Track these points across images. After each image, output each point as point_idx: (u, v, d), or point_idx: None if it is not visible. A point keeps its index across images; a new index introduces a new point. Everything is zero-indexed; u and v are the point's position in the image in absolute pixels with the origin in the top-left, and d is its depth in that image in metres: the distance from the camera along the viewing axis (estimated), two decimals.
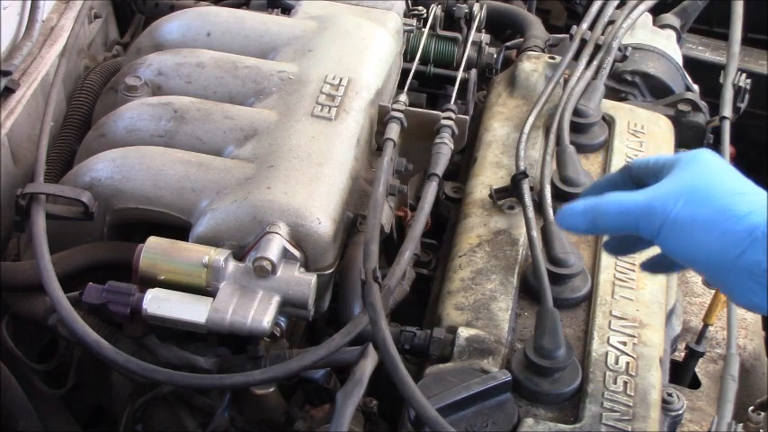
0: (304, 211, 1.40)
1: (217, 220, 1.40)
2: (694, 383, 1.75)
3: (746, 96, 2.00)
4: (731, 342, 1.63)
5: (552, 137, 1.66)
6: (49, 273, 1.34)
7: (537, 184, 1.60)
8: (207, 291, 1.35)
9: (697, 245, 1.13)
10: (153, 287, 1.34)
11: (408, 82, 1.77)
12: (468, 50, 1.97)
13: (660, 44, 2.04)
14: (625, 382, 1.35)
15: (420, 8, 1.96)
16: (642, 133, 1.75)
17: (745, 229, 1.10)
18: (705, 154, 1.20)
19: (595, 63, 1.82)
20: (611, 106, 1.80)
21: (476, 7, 2.03)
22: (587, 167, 1.67)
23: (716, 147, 1.85)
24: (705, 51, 2.51)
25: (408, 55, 1.91)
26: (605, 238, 1.41)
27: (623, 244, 1.32)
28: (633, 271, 1.51)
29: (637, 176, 1.27)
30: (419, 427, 1.26)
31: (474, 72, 1.92)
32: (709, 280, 1.20)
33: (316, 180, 1.45)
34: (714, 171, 1.17)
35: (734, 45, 2.05)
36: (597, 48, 1.85)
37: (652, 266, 1.33)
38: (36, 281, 1.36)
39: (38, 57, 1.68)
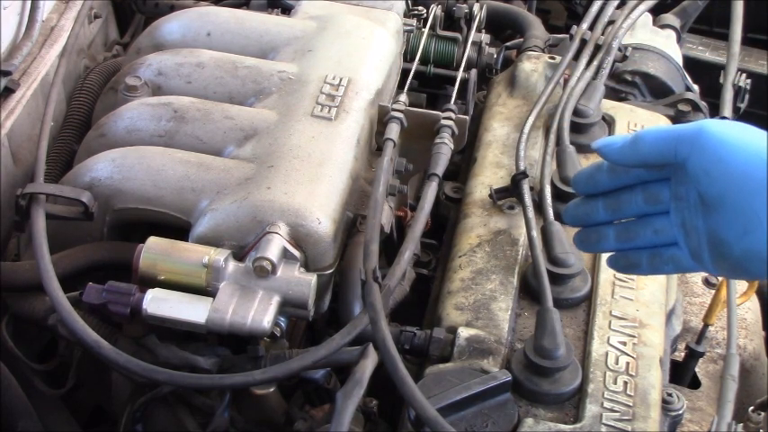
0: (304, 211, 1.40)
1: (217, 220, 1.40)
2: (694, 383, 1.75)
3: (746, 96, 2.00)
4: (731, 342, 1.62)
5: (552, 137, 1.66)
6: (49, 273, 1.34)
7: (537, 184, 1.60)
8: (207, 291, 1.35)
9: (735, 158, 1.08)
10: (153, 287, 1.34)
11: (408, 82, 1.77)
12: (468, 50, 1.97)
13: (660, 44, 2.04)
14: (625, 382, 1.35)
15: (420, 8, 1.96)
16: None
17: None
18: None
19: (595, 63, 1.82)
20: (611, 106, 1.80)
21: (476, 7, 2.03)
22: None
23: None
24: (705, 51, 2.51)
25: (408, 55, 1.91)
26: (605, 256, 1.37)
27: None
28: None
29: None
30: (419, 427, 1.26)
31: (474, 72, 1.92)
32: (727, 208, 1.11)
33: (316, 180, 1.45)
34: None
35: (734, 45, 2.05)
36: (597, 48, 1.85)
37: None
38: (36, 281, 1.36)
39: (38, 57, 1.68)
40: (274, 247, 1.35)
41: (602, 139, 1.17)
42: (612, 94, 1.93)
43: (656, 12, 2.11)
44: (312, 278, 1.37)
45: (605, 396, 1.34)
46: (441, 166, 1.53)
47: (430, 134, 1.59)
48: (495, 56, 2.03)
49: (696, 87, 2.03)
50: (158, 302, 1.32)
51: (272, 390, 1.41)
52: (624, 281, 1.49)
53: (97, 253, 1.46)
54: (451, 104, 1.63)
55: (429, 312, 1.56)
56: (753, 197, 1.07)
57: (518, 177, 1.58)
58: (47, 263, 1.35)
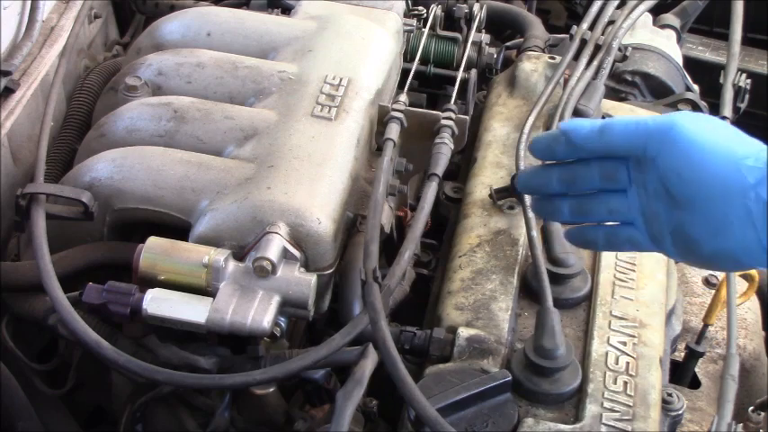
0: (304, 211, 1.40)
1: (217, 220, 1.40)
2: (694, 383, 1.75)
3: (746, 96, 2.00)
4: (731, 342, 1.62)
5: None
6: (49, 273, 1.34)
7: None
8: (207, 291, 1.34)
9: (708, 162, 1.07)
10: (153, 287, 1.34)
11: (408, 82, 1.77)
12: (468, 50, 1.97)
13: (660, 44, 2.04)
14: (625, 382, 1.35)
15: (420, 8, 1.96)
16: None
17: (761, 160, 1.06)
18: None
19: (595, 63, 1.82)
20: (611, 106, 1.80)
21: (476, 7, 2.03)
22: None
23: None
24: (705, 51, 2.51)
25: (408, 55, 1.91)
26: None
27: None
28: (633, 271, 1.51)
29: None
30: (419, 427, 1.26)
31: (474, 72, 1.92)
32: (697, 210, 1.10)
33: (316, 180, 1.45)
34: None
35: (734, 45, 2.05)
36: (597, 48, 1.85)
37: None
38: (36, 281, 1.36)
39: (38, 57, 1.68)
40: (274, 246, 1.35)
41: (571, 120, 1.15)
42: (612, 94, 1.93)
43: (656, 12, 2.11)
44: (312, 278, 1.37)
45: (605, 396, 1.34)
46: (441, 166, 1.53)
47: (430, 134, 1.59)
48: (495, 56, 2.03)
49: (696, 87, 2.03)
50: (158, 302, 1.32)
51: (272, 390, 1.41)
52: (624, 281, 1.49)
53: (97, 253, 1.46)
54: (451, 104, 1.63)
55: (429, 312, 1.56)
56: (724, 201, 1.07)
57: None
58: (47, 263, 1.35)
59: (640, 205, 1.14)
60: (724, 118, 1.88)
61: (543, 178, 1.19)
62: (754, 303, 1.89)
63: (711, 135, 1.09)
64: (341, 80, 1.60)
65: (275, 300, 1.34)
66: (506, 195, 1.61)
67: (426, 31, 1.93)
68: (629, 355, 1.39)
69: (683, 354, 1.75)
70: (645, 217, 1.14)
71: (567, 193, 1.18)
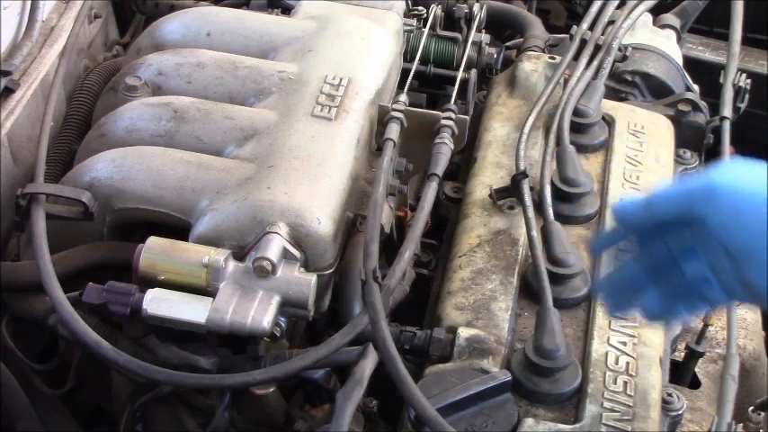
0: (304, 211, 1.40)
1: (217, 220, 1.40)
2: (694, 383, 1.75)
3: (746, 96, 2.00)
4: (731, 342, 1.62)
5: (552, 137, 1.66)
6: (48, 273, 1.34)
7: (537, 184, 1.60)
8: (207, 291, 1.35)
9: (751, 214, 1.09)
10: (153, 287, 1.34)
11: (408, 82, 1.77)
12: (468, 50, 1.97)
13: (660, 44, 2.04)
14: (625, 382, 1.35)
15: (420, 8, 1.96)
16: (642, 133, 1.75)
17: None
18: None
19: (595, 63, 1.82)
20: (611, 106, 1.80)
21: (476, 7, 2.03)
22: (587, 167, 1.67)
23: (716, 147, 1.85)
24: (705, 51, 2.51)
25: (408, 55, 1.91)
26: None
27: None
28: None
29: None
30: (419, 427, 1.26)
31: (474, 72, 1.92)
32: (753, 261, 1.11)
33: (316, 180, 1.45)
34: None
35: (734, 45, 2.05)
36: (597, 48, 1.85)
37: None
38: (36, 281, 1.36)
39: (38, 57, 1.68)
40: (274, 246, 1.35)
41: (617, 203, 1.18)
42: (612, 94, 1.93)
43: (656, 12, 2.11)
44: (312, 278, 1.37)
45: (605, 396, 1.34)
46: (441, 166, 1.53)
47: (430, 134, 1.59)
48: (495, 56, 2.03)
49: (696, 87, 2.03)
50: (158, 302, 1.32)
51: (272, 390, 1.41)
52: None
53: (97, 253, 1.46)
54: (451, 104, 1.63)
55: (429, 312, 1.56)
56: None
57: (518, 177, 1.58)
58: (47, 263, 1.36)
59: (709, 262, 1.15)
60: (724, 118, 1.87)
61: (629, 279, 1.19)
62: None
63: (751, 183, 1.11)
64: (341, 80, 1.60)
65: (275, 300, 1.34)
66: (506, 195, 1.61)
67: (426, 31, 1.93)
68: (629, 355, 1.39)
69: (683, 354, 1.75)
70: (715, 273, 1.15)
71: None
